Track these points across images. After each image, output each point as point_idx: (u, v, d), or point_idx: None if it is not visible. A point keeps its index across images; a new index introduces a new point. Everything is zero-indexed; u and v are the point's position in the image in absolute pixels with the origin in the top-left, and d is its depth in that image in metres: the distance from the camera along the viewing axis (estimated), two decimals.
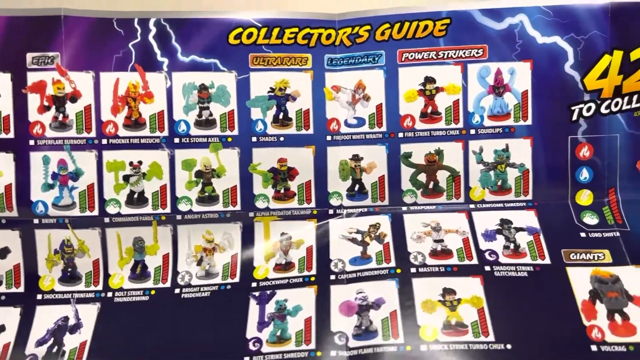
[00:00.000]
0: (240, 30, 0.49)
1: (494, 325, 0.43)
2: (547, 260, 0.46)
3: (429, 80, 0.49)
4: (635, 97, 0.48)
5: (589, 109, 0.48)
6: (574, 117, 0.48)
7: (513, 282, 0.45)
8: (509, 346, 0.42)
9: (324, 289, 0.47)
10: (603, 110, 0.48)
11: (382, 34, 0.49)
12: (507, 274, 0.46)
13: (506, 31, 0.48)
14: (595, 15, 0.47)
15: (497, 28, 0.48)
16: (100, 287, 0.48)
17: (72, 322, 0.46)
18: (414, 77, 0.49)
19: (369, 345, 0.43)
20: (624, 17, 0.47)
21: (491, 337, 0.43)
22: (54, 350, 0.45)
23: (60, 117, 0.48)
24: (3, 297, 0.47)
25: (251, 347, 0.44)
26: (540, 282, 0.45)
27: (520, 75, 0.49)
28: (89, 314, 0.47)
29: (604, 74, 0.48)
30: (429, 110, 0.49)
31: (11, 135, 0.48)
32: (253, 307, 0.46)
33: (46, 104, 0.48)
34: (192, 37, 0.48)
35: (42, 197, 0.48)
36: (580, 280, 0.45)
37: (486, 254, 0.47)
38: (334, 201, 0.50)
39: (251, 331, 0.45)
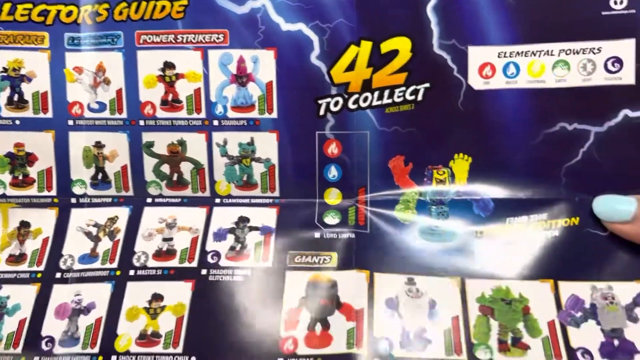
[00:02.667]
0: None
1: (187, 336, 0.42)
2: (269, 263, 0.44)
3: (168, 65, 0.45)
4: (386, 93, 0.44)
5: (336, 104, 0.45)
6: (322, 112, 0.45)
7: (225, 288, 0.43)
8: (193, 358, 0.41)
9: (46, 287, 0.45)
10: (351, 105, 0.45)
11: (120, 13, 0.45)
12: (221, 278, 0.44)
13: (248, 16, 0.44)
14: (340, 0, 0.43)
15: (238, 12, 0.44)
16: None
17: None
18: (153, 61, 0.45)
19: (68, 353, 0.42)
20: (372, 4, 0.43)
21: (179, 349, 0.41)
22: None
23: None
24: None
25: None
26: (253, 288, 0.43)
27: (264, 65, 0.45)
28: None
29: (352, 67, 0.44)
30: (170, 97, 0.46)
31: None
32: None
33: None
34: None
35: None
36: (295, 286, 0.43)
37: (209, 256, 0.45)
38: (77, 189, 0.48)
39: None
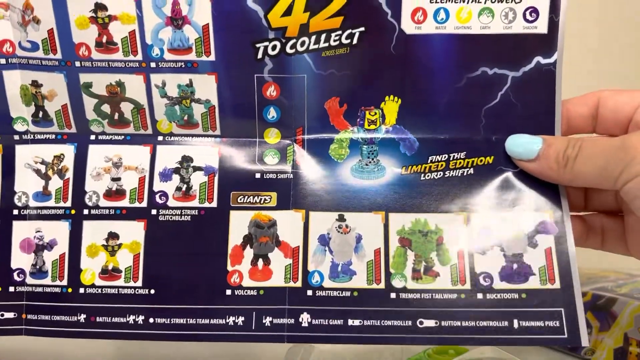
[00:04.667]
0: None
1: (145, 271, 0.46)
2: (214, 204, 0.48)
3: (100, 7, 0.44)
4: (323, 37, 0.46)
5: (274, 48, 0.46)
6: (259, 55, 0.46)
7: (175, 227, 0.47)
8: (152, 291, 0.46)
9: (6, 223, 0.48)
10: (288, 50, 0.46)
11: None
12: (171, 218, 0.47)
13: None
14: None
15: None
16: None
17: None
18: (83, 2, 0.44)
19: (40, 284, 0.46)
20: None
21: (139, 283, 0.46)
22: None
23: None
24: None
25: None
26: (201, 227, 0.47)
27: (199, 7, 0.44)
28: None
29: (289, 11, 0.44)
30: (104, 39, 0.45)
31: None
32: None
33: None
34: None
35: None
36: (239, 225, 0.47)
37: (157, 196, 0.48)
38: (19, 126, 0.48)
39: None
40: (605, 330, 0.63)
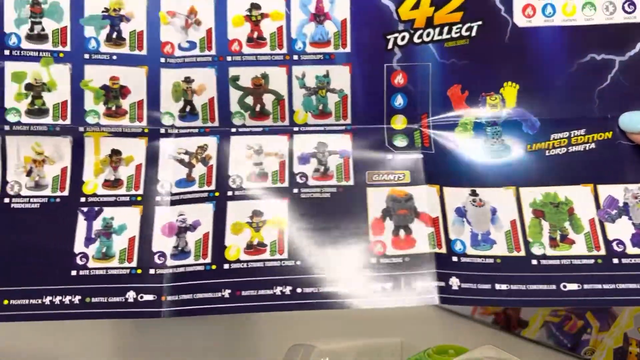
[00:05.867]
0: None
1: (290, 244, 0.47)
2: (351, 182, 0.50)
3: (255, 6, 0.52)
4: (445, 29, 0.52)
5: (403, 38, 0.52)
6: (389, 46, 0.52)
7: (316, 203, 0.49)
8: (299, 262, 0.46)
9: (149, 209, 0.49)
10: (416, 39, 0.52)
11: None
12: (312, 195, 0.49)
13: None
14: None
15: None
16: None
17: None
18: (241, 3, 0.52)
19: (182, 264, 0.47)
20: None
21: (285, 255, 0.47)
22: None
23: None
24: None
25: (78, 261, 0.47)
26: (340, 202, 0.49)
27: (339, 4, 0.52)
28: None
29: (417, 5, 0.51)
30: (255, 35, 0.52)
31: None
32: (81, 223, 0.49)
33: None
34: None
35: None
36: (376, 200, 0.49)
37: (297, 177, 0.50)
38: (166, 120, 0.52)
39: (79, 246, 0.48)
40: (605, 330, 0.65)
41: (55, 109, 0.51)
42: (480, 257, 0.47)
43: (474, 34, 0.52)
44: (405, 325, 0.63)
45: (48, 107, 0.51)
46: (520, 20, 0.52)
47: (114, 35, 0.51)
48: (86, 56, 0.51)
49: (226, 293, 0.46)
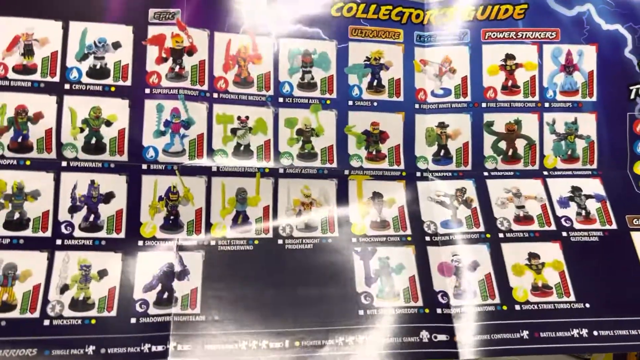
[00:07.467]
0: (341, 4, 0.53)
1: (574, 287, 0.48)
2: (614, 226, 0.52)
3: (510, 57, 0.55)
4: None
5: None
6: (632, 96, 0.55)
7: (586, 247, 0.51)
8: (587, 305, 0.47)
9: (421, 249, 0.50)
10: None
11: (468, 14, 0.55)
12: (581, 239, 0.51)
13: (576, 18, 0.55)
14: None
15: (568, 14, 0.55)
16: (202, 236, 0.48)
17: (177, 268, 0.47)
18: (497, 53, 0.55)
19: (469, 304, 0.47)
20: None
21: (572, 297, 0.48)
22: (165, 296, 0.45)
23: (177, 68, 0.50)
24: (103, 242, 0.47)
25: (363, 300, 0.47)
26: (609, 246, 0.51)
27: (587, 57, 0.55)
28: (194, 261, 0.47)
29: None
30: (510, 83, 0.55)
31: (128, 83, 0.49)
32: (358, 262, 0.49)
33: (164, 55, 0.50)
34: (299, 8, 0.52)
35: (154, 143, 0.49)
36: None
37: (562, 220, 0.52)
38: (420, 164, 0.54)
39: (360, 285, 0.48)
40: None
41: (322, 153, 0.52)
42: None
43: None
44: None
45: (316, 152, 0.52)
46: None
47: (375, 83, 0.53)
48: (350, 103, 0.53)
49: (524, 334, 0.46)
